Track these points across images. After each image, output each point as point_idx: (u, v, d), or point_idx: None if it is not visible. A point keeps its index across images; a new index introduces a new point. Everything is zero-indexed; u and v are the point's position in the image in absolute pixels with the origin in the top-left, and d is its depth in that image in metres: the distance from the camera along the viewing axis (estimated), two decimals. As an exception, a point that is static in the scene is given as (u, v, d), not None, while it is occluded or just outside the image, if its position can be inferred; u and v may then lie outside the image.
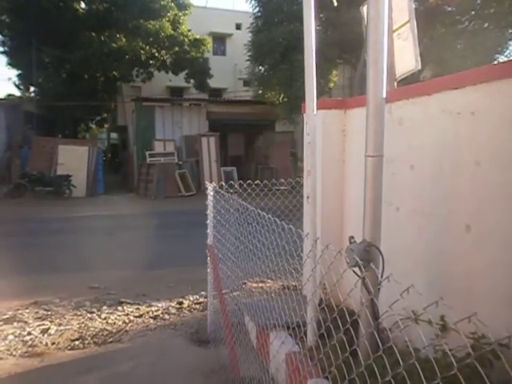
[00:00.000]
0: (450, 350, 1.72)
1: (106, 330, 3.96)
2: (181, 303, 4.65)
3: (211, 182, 14.24)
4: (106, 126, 22.11)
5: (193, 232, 9.05)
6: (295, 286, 4.99)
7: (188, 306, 4.58)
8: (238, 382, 2.85)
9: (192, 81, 17.79)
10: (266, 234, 3.30)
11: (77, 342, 3.69)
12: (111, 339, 3.75)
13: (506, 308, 2.11)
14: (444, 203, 2.48)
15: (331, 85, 15.76)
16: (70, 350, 3.57)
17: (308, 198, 2.81)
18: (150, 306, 4.63)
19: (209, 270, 3.73)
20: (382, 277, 2.31)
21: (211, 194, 3.59)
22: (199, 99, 17.85)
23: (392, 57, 5.51)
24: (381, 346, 2.19)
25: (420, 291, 1.42)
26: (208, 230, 3.66)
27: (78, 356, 3.46)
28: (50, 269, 6.02)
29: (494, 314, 2.03)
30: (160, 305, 4.65)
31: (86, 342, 3.70)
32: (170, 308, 4.53)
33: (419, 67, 5.18)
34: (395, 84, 5.64)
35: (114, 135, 24.18)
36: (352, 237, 2.36)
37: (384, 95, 2.24)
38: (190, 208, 12.93)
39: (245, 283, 4.89)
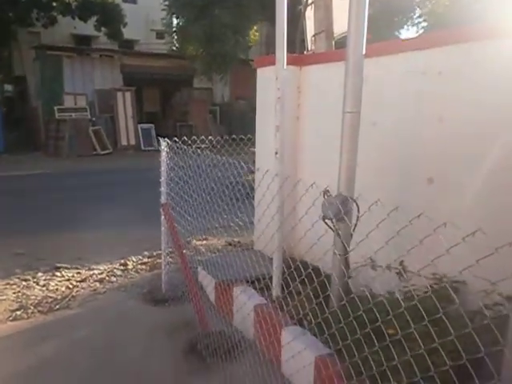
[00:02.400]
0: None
1: (49, 297, 3.70)
2: (125, 264, 4.49)
3: (128, 139, 13.64)
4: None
5: (116, 192, 8.66)
6: (238, 241, 5.08)
7: (133, 267, 4.43)
8: (204, 337, 2.88)
9: (103, 29, 16.24)
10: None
11: (18, 313, 3.40)
12: (58, 306, 3.52)
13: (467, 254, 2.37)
14: (406, 158, 2.66)
15: (251, 43, 15.53)
16: (12, 321, 3.29)
17: (276, 153, 2.82)
18: (91, 269, 4.40)
19: (162, 229, 3.63)
20: (355, 228, 2.47)
21: (165, 150, 3.42)
22: (113, 50, 16.49)
23: (331, 15, 5.59)
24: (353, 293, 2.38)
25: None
26: (161, 188, 3.52)
27: (25, 326, 3.21)
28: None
29: (454, 260, 2.28)
30: (102, 267, 4.44)
31: (30, 311, 3.43)
32: (115, 270, 4.35)
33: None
34: (333, 43, 5.76)
35: (8, 87, 21.46)
36: (327, 190, 2.45)
37: (364, 51, 2.28)
38: (108, 167, 12.26)
39: (188, 241, 4.85)
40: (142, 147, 15.19)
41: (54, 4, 14.53)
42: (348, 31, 2.29)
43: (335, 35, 5.55)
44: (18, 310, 3.45)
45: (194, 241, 4.97)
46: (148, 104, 18.77)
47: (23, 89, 17.34)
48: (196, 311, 2.96)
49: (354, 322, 2.17)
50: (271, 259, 3.75)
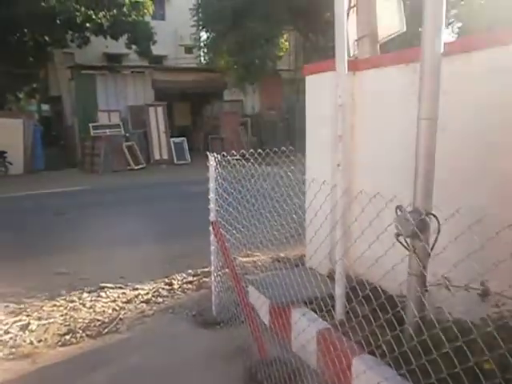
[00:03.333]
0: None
1: (97, 320, 3.59)
2: (170, 284, 4.35)
3: (160, 153, 13.71)
4: (36, 96, 20.15)
5: (153, 207, 8.63)
6: (286, 257, 4.87)
7: (179, 287, 4.29)
8: (264, 365, 2.68)
9: (134, 47, 16.55)
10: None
11: (67, 337, 3.30)
12: (106, 330, 3.40)
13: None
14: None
15: (282, 51, 15.44)
16: (61, 346, 3.19)
17: (339, 165, 2.61)
18: (136, 289, 4.28)
19: (212, 248, 3.46)
20: (434, 246, 2.22)
21: (213, 165, 3.27)
22: (143, 66, 16.76)
23: (374, 18, 5.35)
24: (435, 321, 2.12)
25: None
26: (210, 205, 3.36)
27: (74, 352, 3.09)
28: (2, 257, 5.38)
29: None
30: (146, 287, 4.32)
31: (78, 335, 3.32)
32: (160, 290, 4.21)
33: (404, 29, 5.06)
34: (378, 46, 5.51)
35: (45, 107, 22.20)
36: (401, 205, 2.22)
37: (441, 52, 2.06)
38: (142, 182, 12.35)
39: (235, 258, 4.68)
40: (175, 161, 15.26)
41: (88, 25, 14.89)
42: (423, 30, 2.07)
43: (379, 39, 5.31)
44: (66, 334, 3.35)
45: (240, 258, 4.79)
46: (179, 118, 18.94)
47: (59, 108, 17.83)
48: (254, 338, 2.76)
49: (435, 354, 1.93)
50: (326, 277, 3.54)
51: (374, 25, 5.33)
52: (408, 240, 2.29)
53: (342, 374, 2.43)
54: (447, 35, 18.99)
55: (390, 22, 5.33)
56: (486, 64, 2.38)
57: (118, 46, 18.68)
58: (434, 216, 2.12)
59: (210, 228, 3.40)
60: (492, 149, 2.37)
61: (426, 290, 2.28)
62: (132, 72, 16.11)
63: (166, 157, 15.24)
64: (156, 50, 19.99)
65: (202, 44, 16.34)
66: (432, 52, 2.04)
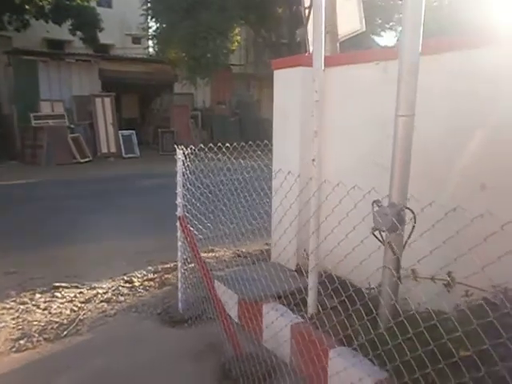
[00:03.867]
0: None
1: (54, 322, 3.37)
2: (131, 282, 4.18)
3: (108, 146, 13.16)
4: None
5: (104, 202, 8.28)
6: (247, 252, 4.86)
7: (140, 284, 4.14)
8: (237, 361, 2.65)
9: (78, 33, 15.68)
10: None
11: (22, 342, 3.07)
12: (65, 332, 3.20)
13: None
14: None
15: (234, 46, 15.35)
16: (16, 352, 2.96)
17: (314, 160, 2.63)
18: (93, 288, 4.08)
19: (179, 244, 3.37)
20: (409, 239, 2.30)
21: (181, 158, 3.17)
22: (90, 55, 15.95)
23: (335, 16, 5.45)
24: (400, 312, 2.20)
25: None
26: (177, 200, 3.26)
27: (32, 358, 2.88)
28: None
29: None
30: (105, 286, 4.13)
31: (34, 339, 3.11)
32: (121, 288, 4.04)
33: (364, 29, 5.20)
34: (338, 45, 5.62)
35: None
36: (378, 200, 2.27)
37: (419, 51, 2.12)
38: (90, 176, 11.80)
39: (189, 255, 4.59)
40: (124, 154, 14.72)
41: (27, 7, 13.91)
42: (403, 29, 2.12)
43: (339, 37, 5.42)
44: (20, 338, 3.11)
45: (202, 254, 4.70)
46: (127, 110, 18.30)
47: (-6, 95, 16.56)
48: (227, 333, 2.72)
49: (416, 342, 2.01)
50: (293, 272, 3.57)
51: (334, 23, 5.42)
52: (383, 234, 2.36)
53: (318, 365, 2.46)
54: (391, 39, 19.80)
55: (350, 20, 5.44)
56: (456, 65, 2.48)
57: (61, 32, 17.66)
58: (410, 210, 2.19)
59: (177, 223, 3.30)
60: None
61: (401, 282, 2.35)
62: (77, 60, 15.28)
63: (113, 150, 14.66)
64: (102, 38, 19.13)
65: (151, 34, 15.81)
66: (410, 51, 2.10)
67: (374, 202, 2.31)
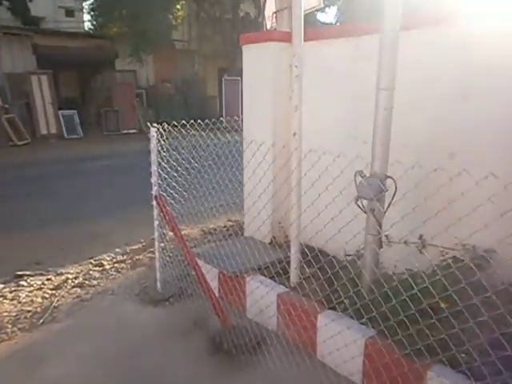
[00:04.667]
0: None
1: (26, 311, 3.24)
2: (101, 265, 4.08)
3: (48, 127, 12.44)
4: None
5: (52, 186, 7.88)
6: (214, 229, 4.90)
7: (112, 267, 4.05)
8: (227, 333, 2.72)
9: (5, 3, 14.31)
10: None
11: (-5, 333, 2.94)
12: (41, 320, 3.10)
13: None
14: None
15: (179, 19, 14.83)
16: (-10, 344, 2.83)
17: (295, 134, 2.69)
18: (61, 274, 3.94)
19: (156, 224, 3.33)
20: (389, 207, 2.45)
21: (155, 136, 3.10)
22: (22, 28, 14.70)
23: (293, -8, 5.44)
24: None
25: None
26: (152, 179, 3.21)
27: (11, 349, 2.77)
28: None
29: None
30: (72, 271, 4.00)
31: (9, 330, 2.98)
32: (91, 272, 3.93)
33: (322, 5, 5.28)
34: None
35: None
36: (361, 171, 2.39)
37: (399, 25, 2.22)
38: (31, 159, 11.10)
39: (164, 234, 4.55)
40: (66, 135, 13.94)
41: None
42: (384, 3, 2.20)
43: (297, 13, 5.44)
44: (-8, 330, 2.98)
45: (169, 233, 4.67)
46: (65, 89, 17.17)
47: None
48: (215, 307, 2.77)
49: (395, 301, 2.18)
50: (267, 245, 3.66)
51: (292, -2, 5.43)
52: (364, 202, 2.50)
53: (305, 332, 2.59)
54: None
55: (308, -5, 5.48)
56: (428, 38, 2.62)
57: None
58: (392, 178, 2.33)
59: (153, 202, 3.26)
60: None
61: (381, 247, 2.52)
62: (5, 34, 14.03)
63: (54, 131, 13.81)
64: (32, 10, 17.69)
65: (89, 7, 14.86)
66: (391, 25, 2.19)
67: (357, 172, 2.43)
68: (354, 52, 3.01)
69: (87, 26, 18.84)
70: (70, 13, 21.09)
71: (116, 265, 4.11)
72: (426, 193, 2.08)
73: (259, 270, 3.22)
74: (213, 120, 3.29)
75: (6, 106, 12.64)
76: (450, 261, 2.40)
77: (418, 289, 1.96)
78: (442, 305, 2.15)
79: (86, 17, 18.13)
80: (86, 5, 15.66)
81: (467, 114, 2.49)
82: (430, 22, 2.62)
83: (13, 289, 3.64)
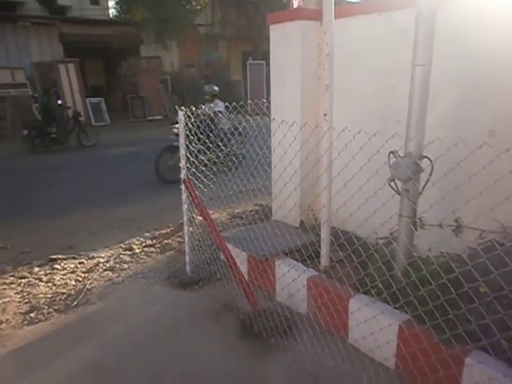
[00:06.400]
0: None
1: (61, 293, 3.33)
2: (131, 249, 4.14)
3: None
4: None
5: (77, 173, 8.05)
6: (243, 212, 4.88)
7: (142, 251, 4.10)
8: (257, 316, 2.71)
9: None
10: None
11: (32, 315, 3.03)
12: (75, 302, 3.17)
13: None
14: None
15: (202, 5, 14.69)
16: (28, 325, 2.91)
17: (325, 115, 2.61)
18: (92, 257, 4.03)
19: (185, 207, 3.33)
20: (424, 188, 2.36)
21: (182, 120, 3.08)
22: (49, 17, 14.92)
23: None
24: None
25: None
26: (181, 163, 3.20)
27: (47, 330, 2.85)
28: None
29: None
30: (103, 255, 4.08)
31: (45, 311, 3.07)
32: (122, 256, 4.00)
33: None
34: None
35: None
36: (395, 151, 2.30)
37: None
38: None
39: (194, 217, 4.57)
40: (93, 123, 14.17)
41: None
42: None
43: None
44: (30, 312, 3.07)
45: (197, 217, 4.68)
46: (91, 76, 17.42)
47: None
48: (245, 291, 2.76)
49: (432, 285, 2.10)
50: (296, 228, 3.62)
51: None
52: (398, 184, 2.41)
53: (337, 316, 2.55)
54: None
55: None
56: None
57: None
58: (429, 158, 2.23)
59: (182, 186, 3.25)
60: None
61: (416, 229, 2.43)
62: (33, 23, 14.28)
63: (82, 118, 14.04)
64: (57, -1, 17.90)
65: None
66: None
67: (391, 152, 2.34)
68: (386, 27, 2.88)
69: (112, 13, 18.91)
70: (94, 0, 21.21)
71: (145, 249, 4.16)
72: (464, 173, 1.98)
73: (289, 253, 3.19)
74: (240, 103, 3.24)
75: (36, 95, 12.91)
76: (488, 244, 2.31)
77: (459, 271, 1.86)
78: (482, 289, 2.07)
79: (111, 3, 18.09)
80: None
81: (509, 88, 2.35)
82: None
83: (48, 272, 3.74)
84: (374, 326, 2.27)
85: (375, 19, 2.94)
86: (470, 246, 2.42)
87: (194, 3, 13.79)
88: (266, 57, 3.44)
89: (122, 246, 4.29)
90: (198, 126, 3.23)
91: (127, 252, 4.09)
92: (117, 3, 15.14)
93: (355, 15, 3.10)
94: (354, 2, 20.08)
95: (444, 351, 1.97)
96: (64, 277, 3.63)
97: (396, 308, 2.33)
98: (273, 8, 15.26)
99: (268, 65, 3.76)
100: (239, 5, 18.77)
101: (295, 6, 5.81)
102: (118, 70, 17.44)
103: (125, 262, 3.86)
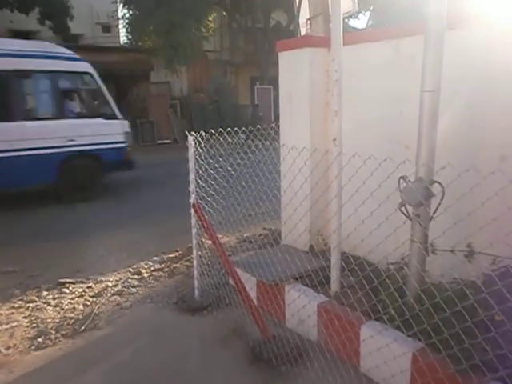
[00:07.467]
0: None
1: (69, 317, 3.30)
2: (139, 273, 4.13)
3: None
4: None
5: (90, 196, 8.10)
6: (251, 237, 4.86)
7: (150, 275, 4.09)
8: (267, 342, 2.66)
9: (48, 23, 15.00)
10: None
11: (40, 340, 3.00)
12: (83, 327, 3.14)
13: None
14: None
15: (210, 31, 15.07)
16: (36, 350, 2.88)
17: (335, 139, 2.63)
18: (101, 281, 4.01)
19: (194, 232, 3.33)
20: (435, 212, 2.34)
21: (192, 145, 3.12)
22: (66, 45, 15.30)
23: (326, -4, 5.38)
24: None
25: None
26: (190, 187, 3.22)
27: (54, 355, 2.82)
28: None
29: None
30: (112, 278, 4.06)
31: (52, 336, 3.04)
32: (130, 280, 3.98)
33: (357, 9, 5.19)
34: (330, 25, 5.58)
35: None
36: (406, 176, 2.30)
37: (445, 24, 2.13)
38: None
39: (202, 242, 4.56)
40: (104, 147, 14.36)
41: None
42: (428, 3, 2.12)
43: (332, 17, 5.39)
44: (38, 336, 3.04)
45: (206, 240, 4.68)
46: (102, 101, 17.78)
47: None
48: (254, 317, 2.72)
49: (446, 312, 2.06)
50: (306, 253, 3.59)
51: (326, 4, 5.39)
52: (408, 209, 2.40)
53: (349, 344, 2.50)
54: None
55: (342, 1, 5.43)
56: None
57: (27, 22, 16.92)
58: (440, 183, 2.22)
59: (191, 210, 3.26)
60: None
61: (428, 254, 2.40)
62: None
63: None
64: (71, 28, 18.44)
65: (125, 22, 15.31)
66: (436, 24, 2.11)
67: (401, 177, 2.34)
68: (394, 54, 2.92)
69: (123, 40, 19.42)
70: (106, 28, 21.84)
71: (154, 273, 4.14)
72: (476, 199, 1.97)
73: (299, 278, 3.16)
74: (249, 128, 3.28)
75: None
76: (503, 270, 2.27)
77: (474, 299, 1.83)
78: (498, 317, 2.03)
79: (122, 31, 18.63)
80: (121, 22, 16.03)
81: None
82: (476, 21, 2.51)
83: (56, 296, 3.73)
84: (387, 355, 2.22)
85: (383, 46, 2.99)
86: (484, 273, 2.38)
87: (203, 30, 14.12)
88: (273, 82, 3.49)
89: (131, 270, 4.27)
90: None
91: (135, 276, 4.07)
92: (127, 31, 15.54)
93: (363, 42, 3.15)
94: (360, 29, 20.47)
95: (461, 382, 1.92)
96: (72, 301, 3.61)
97: (409, 336, 2.28)
98: (280, 35, 15.61)
99: (275, 89, 3.83)
100: (247, 32, 19.21)
101: (303, 33, 5.93)
102: (129, 96, 17.80)
103: (133, 287, 3.84)
